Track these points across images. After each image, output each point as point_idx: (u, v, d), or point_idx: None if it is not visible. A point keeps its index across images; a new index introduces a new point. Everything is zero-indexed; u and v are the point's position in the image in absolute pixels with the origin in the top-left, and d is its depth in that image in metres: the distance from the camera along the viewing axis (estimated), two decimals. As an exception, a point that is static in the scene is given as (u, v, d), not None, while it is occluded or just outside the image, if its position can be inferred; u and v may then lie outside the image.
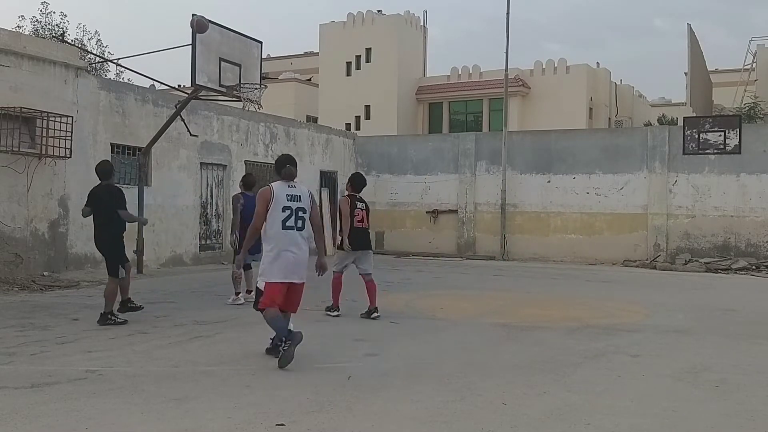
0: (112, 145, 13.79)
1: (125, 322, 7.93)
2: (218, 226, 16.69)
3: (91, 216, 8.20)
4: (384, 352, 6.69)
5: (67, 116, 12.18)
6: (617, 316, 9.61)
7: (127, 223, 8.34)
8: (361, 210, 9.18)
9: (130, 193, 13.67)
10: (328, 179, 20.67)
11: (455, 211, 20.46)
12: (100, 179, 8.36)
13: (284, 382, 5.46)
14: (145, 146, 13.60)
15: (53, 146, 11.94)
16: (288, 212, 6.11)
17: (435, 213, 20.62)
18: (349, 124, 34.82)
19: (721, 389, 5.53)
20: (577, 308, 10.22)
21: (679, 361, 6.52)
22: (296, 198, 6.19)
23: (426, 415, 4.65)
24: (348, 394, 5.11)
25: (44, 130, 11.81)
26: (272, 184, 6.32)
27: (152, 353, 6.47)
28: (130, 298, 8.40)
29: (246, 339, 7.29)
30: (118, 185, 8.73)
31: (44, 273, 12.06)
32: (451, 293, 11.74)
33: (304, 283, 6.28)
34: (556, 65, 35.91)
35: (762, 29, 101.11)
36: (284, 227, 6.09)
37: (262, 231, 6.20)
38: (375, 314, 8.81)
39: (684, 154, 17.59)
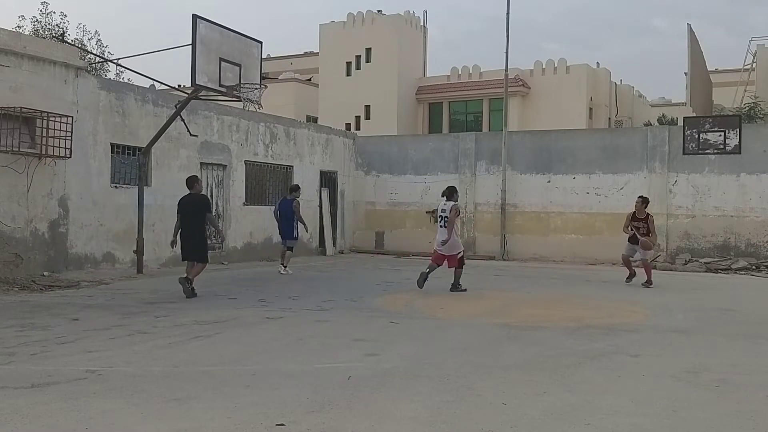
0: (112, 145, 13.79)
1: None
2: (218, 226, 16.64)
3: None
4: (384, 352, 6.68)
5: (67, 116, 12.19)
6: (617, 316, 9.61)
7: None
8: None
9: (130, 193, 13.76)
10: (328, 179, 20.66)
11: (455, 211, 20.43)
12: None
13: (284, 382, 5.46)
14: (145, 146, 13.60)
15: (53, 146, 11.94)
16: (440, 219, 11.68)
17: (435, 213, 20.57)
18: (349, 124, 34.85)
19: (721, 389, 5.52)
20: (577, 308, 10.22)
21: (679, 361, 6.52)
22: (443, 210, 11.64)
23: (426, 415, 4.65)
24: (348, 394, 5.11)
25: (44, 130, 11.81)
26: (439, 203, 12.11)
27: (152, 353, 6.47)
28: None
29: (246, 339, 7.30)
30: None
31: (44, 273, 12.06)
32: (451, 293, 11.73)
33: (450, 253, 11.56)
34: (556, 65, 35.94)
35: (762, 29, 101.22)
36: (438, 224, 11.81)
37: None
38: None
39: (684, 154, 17.56)
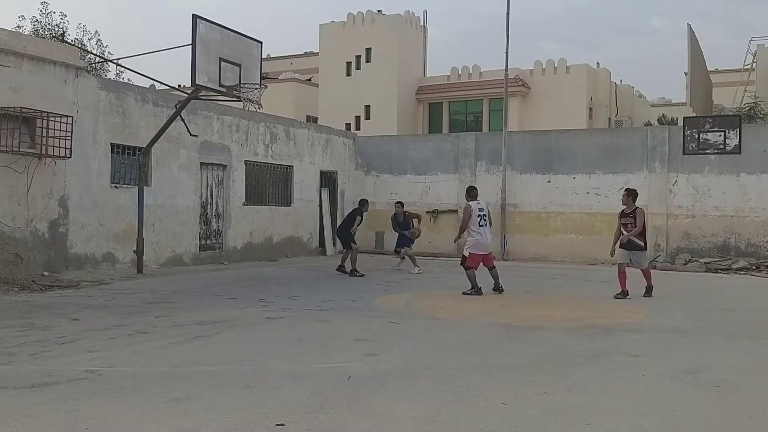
0: (112, 145, 13.80)
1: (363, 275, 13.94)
2: (218, 226, 16.70)
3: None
4: (384, 352, 6.68)
5: (67, 116, 12.19)
6: (617, 316, 9.61)
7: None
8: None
9: (130, 193, 13.77)
10: (328, 179, 20.66)
11: (455, 211, 20.45)
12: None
13: (284, 382, 5.46)
14: (145, 146, 13.60)
15: (53, 146, 11.94)
16: (479, 218, 11.17)
17: (435, 213, 20.62)
18: (349, 124, 34.83)
19: (721, 389, 5.52)
20: (577, 308, 10.22)
21: (679, 361, 6.52)
22: (482, 209, 11.32)
23: (426, 415, 4.65)
24: (348, 394, 5.11)
25: (44, 130, 11.81)
26: (470, 203, 11.47)
27: (152, 353, 6.47)
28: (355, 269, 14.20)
29: (246, 339, 7.30)
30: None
31: (44, 273, 12.06)
32: (451, 293, 11.73)
33: (491, 251, 11.54)
34: (556, 65, 35.90)
35: (762, 29, 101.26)
36: (479, 225, 11.16)
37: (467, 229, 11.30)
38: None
39: (684, 154, 17.55)
